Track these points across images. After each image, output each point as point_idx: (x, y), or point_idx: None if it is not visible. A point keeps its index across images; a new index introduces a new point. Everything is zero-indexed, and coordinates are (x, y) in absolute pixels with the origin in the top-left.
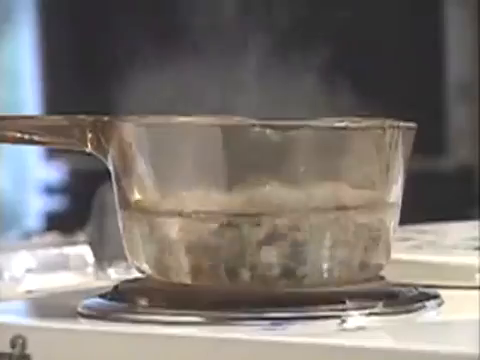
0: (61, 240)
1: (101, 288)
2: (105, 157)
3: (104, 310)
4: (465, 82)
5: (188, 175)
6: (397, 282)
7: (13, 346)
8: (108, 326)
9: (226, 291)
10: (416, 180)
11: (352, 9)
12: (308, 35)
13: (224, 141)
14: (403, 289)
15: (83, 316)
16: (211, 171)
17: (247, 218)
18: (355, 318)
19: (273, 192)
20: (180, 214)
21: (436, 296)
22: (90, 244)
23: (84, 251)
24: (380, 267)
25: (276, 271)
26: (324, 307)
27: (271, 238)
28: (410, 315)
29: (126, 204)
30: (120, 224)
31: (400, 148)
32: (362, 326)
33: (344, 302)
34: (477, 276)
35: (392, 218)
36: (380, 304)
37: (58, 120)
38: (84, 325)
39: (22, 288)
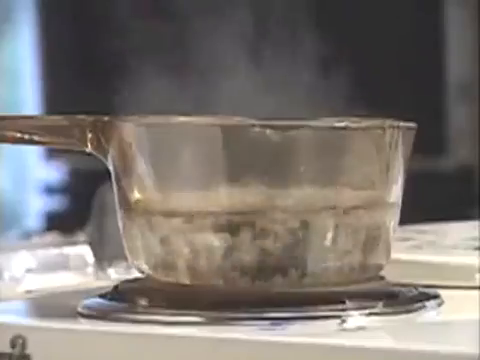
0: (61, 240)
1: (101, 288)
2: (105, 157)
3: (104, 310)
4: (465, 82)
5: (188, 175)
6: (397, 282)
7: (13, 346)
8: (108, 326)
9: (226, 291)
10: (416, 180)
11: (352, 9)
12: (308, 35)
13: (224, 141)
14: (403, 289)
15: (83, 316)
16: (211, 171)
17: (247, 218)
18: (355, 318)
19: (273, 192)
20: (180, 214)
21: (436, 296)
22: (90, 244)
23: (84, 251)
24: (380, 267)
25: (276, 271)
26: (324, 307)
27: (271, 238)
28: (410, 315)
29: (126, 204)
30: (120, 224)
31: (400, 148)
32: (362, 326)
33: (344, 302)
34: (477, 276)
35: (392, 218)
36: (380, 304)
37: (58, 120)
38: (84, 325)
39: (22, 288)
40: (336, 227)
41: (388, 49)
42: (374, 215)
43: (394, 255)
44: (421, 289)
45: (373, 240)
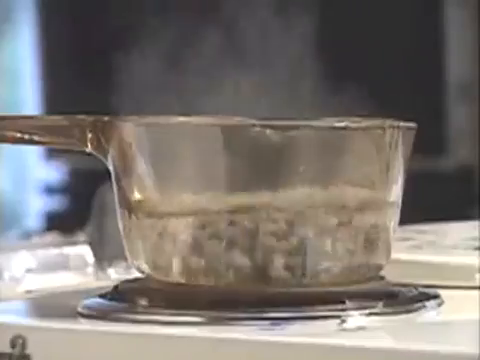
0: (61, 240)
1: (101, 288)
2: (105, 157)
3: (104, 310)
4: (465, 82)
5: (188, 175)
6: (397, 282)
7: (13, 346)
8: (108, 326)
9: (225, 291)
10: (416, 180)
11: (352, 9)
12: (308, 35)
13: (224, 141)
14: (403, 289)
15: (83, 316)
16: (211, 171)
17: (246, 218)
18: (355, 318)
19: (273, 192)
20: (180, 214)
21: (436, 296)
22: (90, 244)
23: (84, 251)
24: (380, 267)
25: (276, 271)
26: (324, 307)
27: (271, 238)
28: (410, 315)
29: (126, 204)
30: (120, 224)
31: (400, 148)
32: (362, 326)
33: (344, 302)
34: (477, 276)
35: (392, 218)
36: (380, 304)
37: (58, 120)
38: (84, 325)
39: (22, 288)
40: (336, 227)
41: (388, 49)
42: (374, 215)
43: (394, 255)
44: (421, 289)
45: (373, 240)
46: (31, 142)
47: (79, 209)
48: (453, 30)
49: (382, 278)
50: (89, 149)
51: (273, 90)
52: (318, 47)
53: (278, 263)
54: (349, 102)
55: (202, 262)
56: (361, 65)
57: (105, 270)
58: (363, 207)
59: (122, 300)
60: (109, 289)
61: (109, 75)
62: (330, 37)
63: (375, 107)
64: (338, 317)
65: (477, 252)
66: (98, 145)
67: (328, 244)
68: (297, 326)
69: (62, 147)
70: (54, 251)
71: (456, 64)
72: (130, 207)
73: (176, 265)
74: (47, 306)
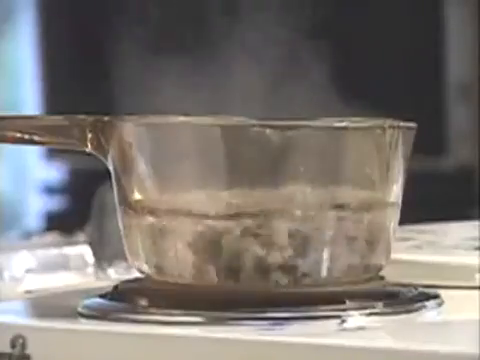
0: (61, 240)
1: (101, 288)
2: (105, 157)
3: (104, 310)
4: (465, 82)
5: (188, 175)
6: (397, 282)
7: (13, 346)
8: (108, 326)
9: (226, 291)
10: (416, 180)
11: (352, 9)
12: (308, 35)
13: (224, 141)
14: (403, 289)
15: (83, 316)
16: (211, 171)
17: (247, 218)
18: (355, 318)
19: (273, 192)
20: (180, 214)
21: (436, 296)
22: (90, 244)
23: (84, 251)
24: (380, 267)
25: (276, 271)
26: (324, 307)
27: (271, 238)
28: (410, 315)
29: (126, 204)
30: (120, 224)
31: (400, 148)
32: (362, 326)
33: (344, 302)
34: (477, 276)
35: (392, 218)
36: (380, 304)
37: (58, 120)
38: (84, 325)
39: (22, 288)
40: (336, 227)
41: (388, 49)
42: (374, 215)
43: (394, 255)
44: (421, 289)
45: (373, 240)
46: (31, 142)
47: (79, 209)
48: (453, 30)
49: (382, 278)
50: (89, 149)
51: (272, 90)
52: (317, 47)
53: (278, 263)
54: (349, 102)
55: (202, 262)
56: (361, 65)
57: (105, 270)
58: (363, 207)
59: (122, 300)
60: (109, 289)
61: (109, 75)
62: (330, 37)
63: (375, 107)
64: (338, 317)
65: (477, 252)
66: (98, 145)
67: (328, 244)
68: (297, 326)
69: (62, 147)
70: (54, 251)
71: (456, 64)
72: (130, 207)
73: (176, 265)
74: (47, 306)
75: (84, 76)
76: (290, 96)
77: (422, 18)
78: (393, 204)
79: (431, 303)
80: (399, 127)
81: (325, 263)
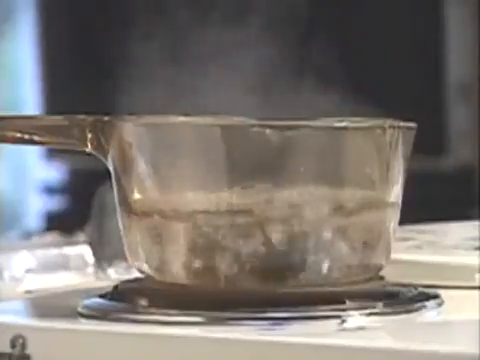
0: (61, 240)
1: (101, 288)
2: (105, 157)
3: (104, 310)
4: (465, 82)
5: (188, 175)
6: (397, 282)
7: (13, 346)
8: (108, 326)
9: (226, 291)
10: (416, 180)
11: (352, 9)
12: (308, 35)
13: (224, 141)
14: (403, 289)
15: (83, 316)
16: (211, 171)
17: (246, 218)
18: (355, 318)
19: (273, 192)
20: (180, 214)
21: (436, 296)
22: (90, 244)
23: (84, 251)
24: (380, 267)
25: (276, 271)
26: (324, 307)
27: (271, 238)
28: (410, 315)
29: (126, 204)
30: (120, 224)
31: (400, 148)
32: (362, 326)
33: (344, 302)
34: (477, 276)
35: (392, 218)
36: (380, 304)
37: (58, 120)
38: (84, 325)
39: (22, 288)
40: (336, 227)
41: (388, 49)
42: (374, 215)
43: (394, 255)
44: (421, 289)
45: (373, 240)
46: (31, 142)
47: (79, 209)
48: (453, 30)
49: (382, 278)
50: (89, 149)
51: (271, 89)
52: (317, 47)
53: (278, 263)
54: (348, 102)
55: (202, 262)
56: (361, 65)
57: (105, 270)
58: (363, 207)
59: (122, 300)
60: (109, 289)
61: (109, 75)
62: (329, 36)
63: (375, 107)
64: (338, 317)
65: (477, 252)
66: (98, 145)
67: (328, 244)
68: (297, 326)
69: (62, 147)
70: (54, 251)
71: (456, 64)
72: (130, 207)
73: (176, 265)
74: (47, 306)
75: (84, 76)
76: (289, 96)
77: (422, 18)
78: (393, 204)
79: (431, 303)
80: (399, 127)
81: (325, 263)
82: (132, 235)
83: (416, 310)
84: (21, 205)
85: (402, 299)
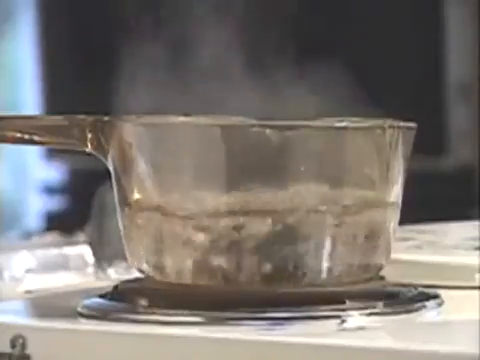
0: (61, 240)
1: (101, 288)
2: (105, 157)
3: (104, 310)
4: (465, 82)
5: (188, 175)
6: (397, 282)
7: (13, 346)
8: (108, 326)
9: (226, 291)
10: (416, 180)
11: (352, 9)
12: (308, 35)
13: (224, 141)
14: (403, 289)
15: (83, 316)
16: (211, 171)
17: (246, 218)
18: (355, 318)
19: (273, 192)
20: (180, 214)
21: (436, 296)
22: (90, 244)
23: (84, 251)
24: (380, 267)
25: (276, 271)
26: (324, 307)
27: (271, 238)
28: (410, 315)
29: (126, 204)
30: (120, 224)
31: (400, 148)
32: (362, 326)
33: (344, 302)
34: (477, 276)
35: (392, 218)
36: (380, 304)
37: (58, 120)
38: (84, 325)
39: (22, 288)
40: (336, 227)
41: (388, 49)
42: (374, 215)
43: (394, 255)
44: (421, 289)
45: (373, 240)
46: (31, 142)
47: (79, 209)
48: (453, 30)
49: (382, 278)
50: (89, 149)
51: (270, 89)
52: (317, 46)
53: (278, 263)
54: (348, 102)
55: (202, 262)
56: (361, 64)
57: (105, 270)
58: (363, 207)
59: (122, 300)
60: (109, 289)
61: (109, 75)
62: (329, 36)
63: (375, 107)
64: (338, 317)
65: (477, 252)
66: (98, 145)
67: (328, 244)
68: (297, 326)
69: (62, 147)
70: (54, 251)
71: (456, 64)
72: (130, 207)
73: (176, 265)
74: (47, 306)
75: (84, 76)
76: (290, 97)
77: (422, 18)
78: (393, 204)
79: (431, 303)
80: (399, 127)
81: (325, 263)
82: (132, 235)
83: (416, 310)
84: (21, 205)
85: (402, 299)
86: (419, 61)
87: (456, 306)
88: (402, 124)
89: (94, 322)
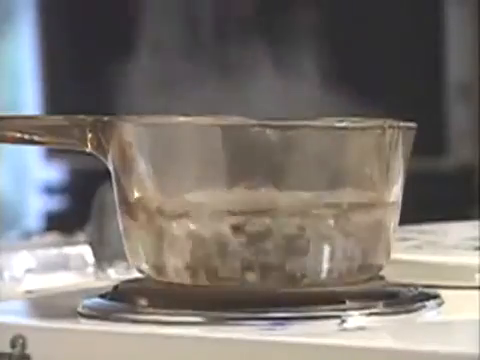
0: (61, 240)
1: (101, 288)
2: (105, 157)
3: (104, 310)
4: (465, 82)
5: (188, 175)
6: (397, 282)
7: (13, 346)
8: (108, 326)
9: (226, 291)
10: (416, 180)
11: (352, 9)
12: (308, 35)
13: (224, 141)
14: (403, 289)
15: (83, 316)
16: (211, 171)
17: (247, 218)
18: (355, 318)
19: (273, 192)
20: (180, 214)
21: (436, 296)
22: (90, 244)
23: (84, 251)
24: (380, 267)
25: (276, 271)
26: (324, 307)
27: (270, 238)
28: (410, 315)
29: (126, 204)
30: (120, 224)
31: (400, 148)
32: (362, 326)
33: (344, 302)
34: (477, 276)
35: (392, 218)
36: (380, 304)
37: (58, 120)
38: (84, 325)
39: (22, 288)
40: (336, 227)
41: (388, 49)
42: (374, 215)
43: (394, 255)
44: (421, 289)
45: (373, 240)
46: (31, 142)
47: (79, 209)
48: (453, 30)
49: (382, 278)
50: (89, 149)
51: (269, 89)
52: (317, 46)
53: (278, 263)
54: (349, 102)
55: (202, 262)
56: (361, 64)
57: (105, 270)
58: (363, 207)
59: (122, 300)
60: (109, 289)
61: (109, 75)
62: (329, 36)
63: (375, 107)
64: (338, 317)
65: (477, 252)
66: (98, 145)
67: (328, 244)
68: (297, 326)
69: (62, 147)
70: (54, 251)
71: (456, 64)
72: (130, 207)
73: (176, 265)
74: (47, 306)
75: (84, 76)
76: (292, 96)
77: (422, 18)
78: (393, 204)
79: (431, 303)
80: (399, 127)
81: (325, 263)
82: (132, 235)
83: (416, 310)
84: (21, 205)
85: (402, 299)
86: (419, 61)
87: (456, 306)
88: (402, 124)
89: (94, 322)
